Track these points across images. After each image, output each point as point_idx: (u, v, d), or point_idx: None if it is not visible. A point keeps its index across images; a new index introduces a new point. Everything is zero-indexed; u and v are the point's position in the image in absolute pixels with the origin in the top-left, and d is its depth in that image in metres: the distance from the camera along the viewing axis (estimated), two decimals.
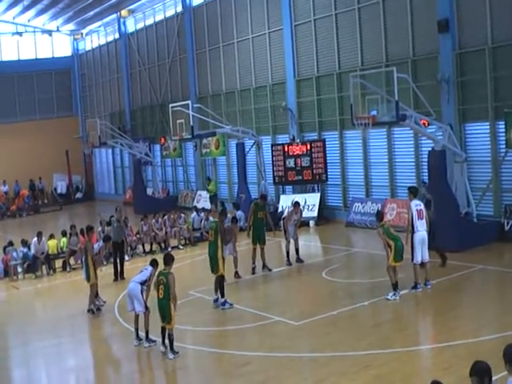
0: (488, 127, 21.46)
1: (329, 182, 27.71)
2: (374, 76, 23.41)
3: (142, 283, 14.14)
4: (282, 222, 21.03)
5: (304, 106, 28.94)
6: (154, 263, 14.47)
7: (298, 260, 20.41)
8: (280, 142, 29.57)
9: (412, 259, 15.90)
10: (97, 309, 17.11)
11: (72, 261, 23.18)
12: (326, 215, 27.71)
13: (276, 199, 29.48)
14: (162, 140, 39.18)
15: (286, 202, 27.10)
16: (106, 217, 24.07)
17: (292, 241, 20.42)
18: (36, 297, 21.18)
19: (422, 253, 15.83)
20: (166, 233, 24.95)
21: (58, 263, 23.50)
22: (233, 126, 29.83)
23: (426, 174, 21.47)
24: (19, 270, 23.08)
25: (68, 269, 23.01)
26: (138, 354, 13.81)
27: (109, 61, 46.49)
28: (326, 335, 13.63)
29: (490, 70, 21.14)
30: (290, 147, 28.15)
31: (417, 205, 16.09)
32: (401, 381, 11.00)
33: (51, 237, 24.12)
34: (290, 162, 28.05)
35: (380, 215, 16.28)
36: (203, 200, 34.70)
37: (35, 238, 23.31)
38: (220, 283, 16.34)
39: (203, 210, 27.47)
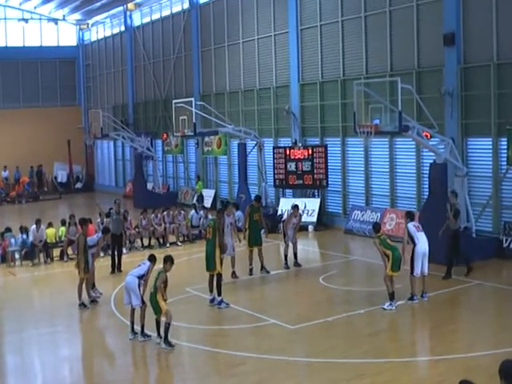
0: (490, 143, 21.55)
1: (329, 188, 27.79)
2: (378, 85, 23.61)
3: (140, 277, 14.25)
4: (281, 224, 21.11)
5: (307, 110, 29.02)
6: (152, 258, 14.60)
7: (296, 264, 20.51)
8: (282, 145, 29.65)
9: (411, 272, 15.97)
10: (91, 301, 17.17)
11: (70, 250, 23.23)
12: (325, 221, 27.79)
13: (276, 202, 29.56)
14: (164, 136, 39.25)
15: (285, 205, 27.18)
16: (105, 208, 24.14)
17: (291, 244, 20.51)
18: (33, 284, 21.23)
19: (422, 265, 15.93)
20: (165, 228, 25.04)
21: (56, 252, 23.56)
22: (235, 126, 29.92)
23: (427, 186, 21.56)
24: (17, 256, 23.14)
25: (65, 258, 23.06)
26: (132, 348, 13.92)
27: (114, 53, 46.53)
28: (320, 341, 13.73)
29: (494, 87, 21.24)
30: (292, 151, 28.23)
31: (413, 225, 16.35)
32: None
33: (50, 225, 24.21)
34: (292, 166, 28.13)
35: (377, 226, 16.41)
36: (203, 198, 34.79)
37: (34, 226, 23.38)
38: (218, 282, 16.42)
39: (202, 207, 27.54)
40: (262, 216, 20.69)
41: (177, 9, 38.61)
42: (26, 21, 47.75)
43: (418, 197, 23.98)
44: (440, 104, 22.56)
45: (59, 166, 48.33)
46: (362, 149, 26.14)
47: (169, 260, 13.77)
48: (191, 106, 28.07)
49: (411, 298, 15.95)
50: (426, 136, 21.39)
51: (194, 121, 28.07)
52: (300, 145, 28.56)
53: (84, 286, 17.07)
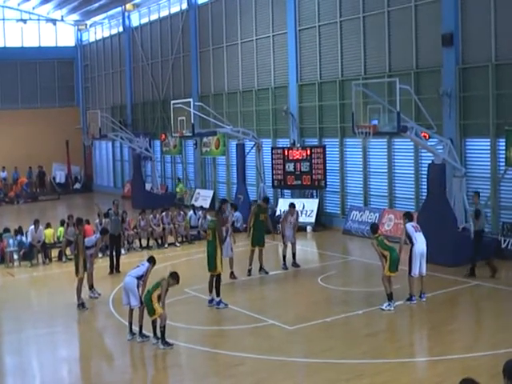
0: (489, 144, 21.56)
1: (327, 189, 27.78)
2: (377, 85, 23.63)
3: (139, 278, 14.27)
4: (279, 225, 21.11)
5: (305, 111, 29.02)
6: (151, 260, 14.62)
7: (295, 264, 20.51)
8: (280, 146, 29.66)
9: (409, 272, 15.96)
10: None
11: (68, 251, 23.19)
12: (323, 221, 27.80)
13: (274, 202, 29.54)
14: (163, 136, 39.23)
15: (284, 205, 27.13)
16: (104, 209, 24.14)
17: (289, 245, 20.52)
18: (31, 285, 21.22)
19: (420, 266, 15.94)
20: (164, 229, 25.04)
21: (54, 253, 23.54)
22: (234, 127, 29.92)
23: (425, 186, 21.56)
24: (15, 257, 23.12)
25: (64, 259, 23.01)
26: (130, 349, 13.92)
27: (112, 54, 46.53)
28: (319, 341, 13.72)
29: (492, 87, 21.26)
30: (290, 151, 28.22)
31: (412, 225, 16.38)
32: None
33: (48, 226, 24.18)
34: (290, 167, 28.13)
35: (374, 227, 16.44)
36: (202, 198, 34.86)
37: (32, 226, 23.36)
38: (217, 282, 16.42)
39: (201, 208, 27.55)
40: (269, 218, 20.69)
41: (175, 9, 38.61)
42: (25, 21, 47.69)
43: (417, 197, 23.98)
44: (438, 104, 22.58)
45: (57, 167, 48.30)
46: (361, 149, 26.17)
47: (176, 278, 13.67)
48: (189, 107, 28.05)
49: (410, 299, 15.95)
50: (425, 136, 21.40)
51: (192, 121, 28.05)
52: (298, 145, 28.56)
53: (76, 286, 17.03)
